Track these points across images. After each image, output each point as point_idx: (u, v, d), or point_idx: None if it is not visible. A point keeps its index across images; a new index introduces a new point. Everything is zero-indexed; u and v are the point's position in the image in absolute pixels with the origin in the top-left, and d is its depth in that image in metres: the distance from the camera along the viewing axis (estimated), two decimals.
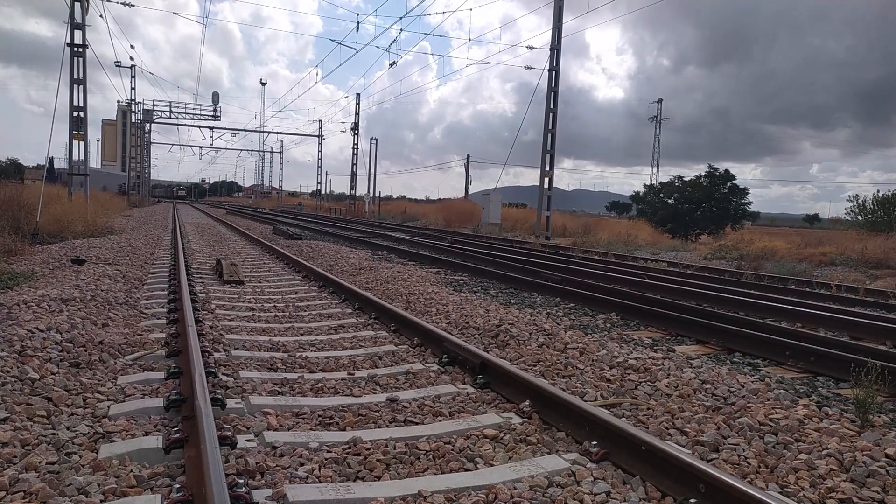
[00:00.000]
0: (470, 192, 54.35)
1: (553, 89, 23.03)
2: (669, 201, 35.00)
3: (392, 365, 4.75)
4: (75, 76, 22.11)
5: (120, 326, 5.42)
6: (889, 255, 15.61)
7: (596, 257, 15.48)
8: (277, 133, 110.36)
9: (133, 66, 46.04)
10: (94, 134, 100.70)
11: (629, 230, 25.05)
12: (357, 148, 51.28)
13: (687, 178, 34.98)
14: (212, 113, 50.99)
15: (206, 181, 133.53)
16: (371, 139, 57.98)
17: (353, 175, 53.15)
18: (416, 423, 3.52)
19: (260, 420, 3.40)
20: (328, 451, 3.01)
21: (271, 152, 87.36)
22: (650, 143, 65.91)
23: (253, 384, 4.07)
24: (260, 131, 62.80)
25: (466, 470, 2.92)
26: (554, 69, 23.02)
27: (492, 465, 2.97)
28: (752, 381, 4.32)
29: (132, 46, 54.83)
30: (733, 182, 33.57)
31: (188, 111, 51.57)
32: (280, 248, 13.46)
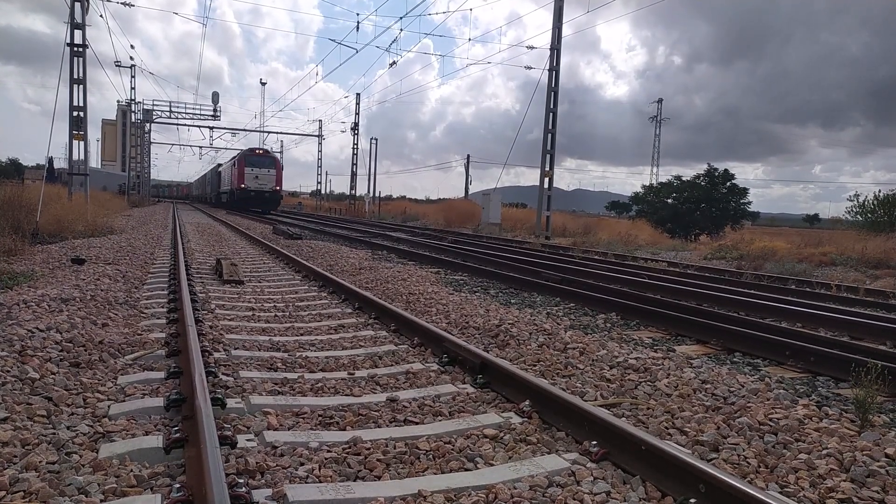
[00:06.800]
0: (470, 192, 54.37)
1: (553, 89, 23.03)
2: (669, 201, 35.04)
3: (392, 365, 4.75)
4: (75, 76, 22.11)
5: (120, 326, 5.42)
6: (889, 255, 15.59)
7: (596, 257, 15.48)
8: (277, 133, 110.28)
9: (133, 65, 46.06)
10: (93, 133, 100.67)
11: (629, 230, 25.03)
12: (357, 147, 51.32)
13: (686, 178, 35.04)
14: (212, 113, 50.95)
15: None
16: (371, 139, 58.06)
17: (353, 175, 53.18)
18: (416, 423, 3.52)
19: (260, 420, 3.40)
20: (328, 451, 3.02)
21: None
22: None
23: (253, 384, 4.07)
24: (260, 131, 62.70)
25: (466, 470, 2.92)
26: (554, 69, 23.03)
27: (492, 465, 2.97)
28: (752, 381, 4.33)
29: (132, 46, 54.61)
30: (732, 182, 33.62)
31: (188, 111, 51.59)
32: (280, 248, 13.45)
